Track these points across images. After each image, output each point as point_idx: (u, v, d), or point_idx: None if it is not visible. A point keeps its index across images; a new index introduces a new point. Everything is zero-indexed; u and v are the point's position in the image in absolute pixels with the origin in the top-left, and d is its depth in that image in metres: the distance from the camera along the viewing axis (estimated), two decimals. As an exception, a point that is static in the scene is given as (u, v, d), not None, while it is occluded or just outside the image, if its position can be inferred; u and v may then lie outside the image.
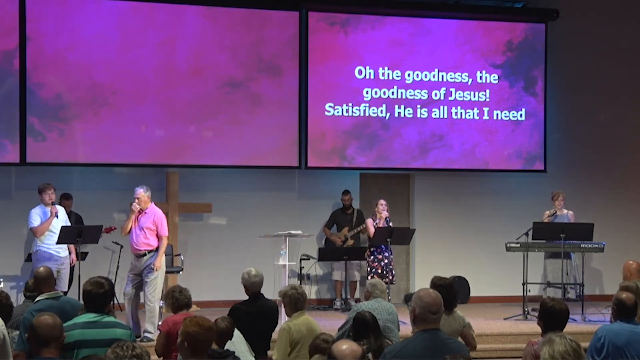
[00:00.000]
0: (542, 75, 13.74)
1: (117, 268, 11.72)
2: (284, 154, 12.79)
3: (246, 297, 7.77)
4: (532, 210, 12.74)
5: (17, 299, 10.67)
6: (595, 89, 14.07)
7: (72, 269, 10.55)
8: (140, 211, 9.82)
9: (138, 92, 12.20)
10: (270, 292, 8.80)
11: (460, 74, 13.42)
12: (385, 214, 12.18)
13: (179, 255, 12.10)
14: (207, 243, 12.72)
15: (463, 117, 13.44)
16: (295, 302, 7.20)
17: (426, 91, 13.32)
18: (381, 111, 13.16)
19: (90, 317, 5.36)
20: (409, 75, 13.25)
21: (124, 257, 11.37)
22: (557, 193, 12.38)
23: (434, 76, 13.35)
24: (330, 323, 9.76)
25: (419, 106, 13.29)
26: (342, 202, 12.90)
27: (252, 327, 7.26)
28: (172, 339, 6.59)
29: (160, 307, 9.95)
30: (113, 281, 8.14)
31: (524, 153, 13.70)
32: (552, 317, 5.53)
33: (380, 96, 13.15)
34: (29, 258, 11.02)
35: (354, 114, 13.06)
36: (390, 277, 11.87)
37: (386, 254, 11.95)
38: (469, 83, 13.47)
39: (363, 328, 6.73)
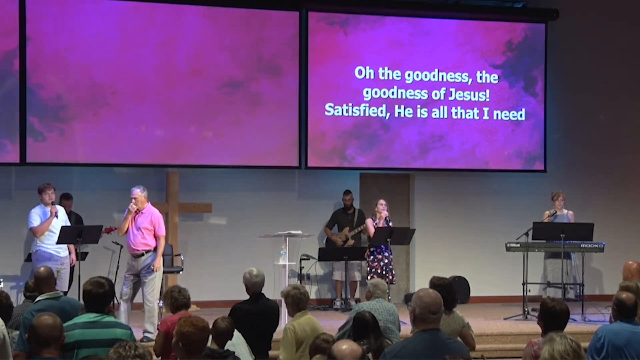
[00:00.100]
0: (542, 75, 13.74)
1: (117, 268, 11.71)
2: (284, 154, 12.79)
3: (246, 297, 7.77)
4: (532, 210, 12.73)
5: (17, 299, 10.67)
6: (595, 89, 14.07)
7: (72, 269, 10.55)
8: (137, 211, 9.82)
9: (138, 92, 12.20)
10: (270, 292, 8.80)
11: (460, 74, 13.43)
12: (385, 213, 12.18)
13: (179, 255, 12.09)
14: (207, 243, 12.72)
15: (463, 117, 13.45)
16: (298, 302, 7.20)
17: (426, 91, 13.32)
18: (381, 111, 13.16)
19: (90, 317, 5.37)
20: (409, 75, 13.25)
21: (124, 257, 11.35)
22: (557, 193, 12.38)
23: (434, 76, 13.35)
24: (330, 323, 9.75)
25: (419, 106, 13.30)
26: (343, 202, 12.90)
27: (253, 327, 7.26)
28: (170, 339, 6.58)
29: (160, 307, 9.95)
30: (113, 281, 8.13)
31: (524, 153, 13.70)
32: (553, 317, 5.53)
33: (380, 96, 13.15)
34: (29, 258, 11.02)
35: (354, 114, 13.06)
36: (390, 277, 11.87)
37: (386, 254, 11.95)
38: (469, 83, 13.47)
39: (363, 328, 6.73)
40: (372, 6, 13.26)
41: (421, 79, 13.30)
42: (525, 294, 11.29)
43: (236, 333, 6.55)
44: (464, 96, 13.44)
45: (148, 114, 12.23)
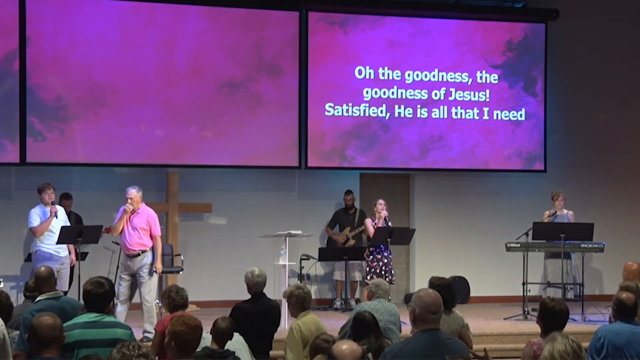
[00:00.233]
0: (542, 75, 13.74)
1: (117, 268, 11.66)
2: (284, 154, 12.79)
3: (246, 297, 7.77)
4: (532, 210, 12.74)
5: (17, 299, 10.67)
6: (595, 89, 14.07)
7: (72, 269, 10.55)
8: (133, 211, 9.83)
9: (138, 92, 12.20)
10: (270, 292, 8.78)
11: (460, 74, 13.43)
12: (384, 213, 12.17)
13: (179, 255, 12.09)
14: (207, 243, 12.72)
15: (463, 117, 13.45)
16: (303, 301, 7.20)
17: (426, 91, 13.32)
18: (381, 111, 13.16)
19: (90, 317, 5.37)
20: (408, 75, 13.25)
21: (124, 257, 11.37)
22: (557, 193, 12.38)
23: (433, 76, 13.35)
24: (330, 323, 9.74)
25: (419, 106, 13.30)
26: (344, 202, 12.91)
27: (253, 326, 7.26)
28: (166, 339, 6.57)
29: (160, 307, 9.95)
30: (113, 281, 8.13)
31: (524, 153, 13.70)
32: (552, 317, 5.53)
33: (380, 96, 13.15)
34: (28, 258, 11.02)
35: (354, 114, 13.06)
36: (390, 277, 11.87)
37: (385, 254, 11.94)
38: (469, 83, 13.47)
39: (363, 328, 6.73)
40: (372, 6, 13.26)
41: (421, 79, 13.31)
42: (525, 294, 11.29)
43: (239, 337, 6.54)
44: (464, 96, 13.44)
45: (148, 114, 12.23)
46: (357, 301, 12.22)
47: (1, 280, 10.40)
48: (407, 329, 7.74)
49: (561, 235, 11.36)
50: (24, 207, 10.74)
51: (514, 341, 10.02)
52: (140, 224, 9.79)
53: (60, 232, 10.07)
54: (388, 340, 6.87)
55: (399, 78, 13.22)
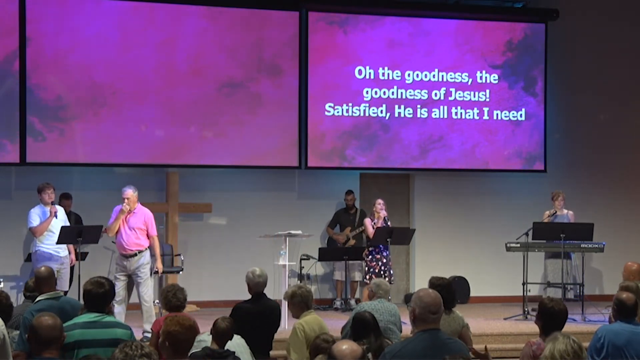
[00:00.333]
0: (542, 75, 13.74)
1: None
2: (284, 154, 12.79)
3: (246, 297, 7.77)
4: (532, 210, 12.74)
5: (17, 299, 10.67)
6: (595, 89, 14.07)
7: (72, 269, 10.55)
8: (129, 211, 9.83)
9: (138, 92, 12.20)
10: (270, 292, 8.78)
11: (460, 74, 13.43)
12: (383, 213, 12.16)
13: (179, 255, 12.09)
14: (207, 243, 12.72)
15: (463, 117, 13.45)
16: (306, 300, 7.18)
17: (426, 91, 13.32)
18: (381, 111, 13.16)
19: (90, 317, 5.37)
20: (408, 75, 13.25)
21: (124, 257, 11.36)
22: (557, 193, 12.38)
23: (433, 76, 13.35)
24: (330, 323, 9.69)
25: (419, 106, 13.30)
26: (345, 202, 12.91)
27: (254, 327, 7.26)
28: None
29: (160, 308, 9.94)
30: (113, 281, 8.13)
31: (524, 153, 13.70)
32: (551, 317, 5.53)
33: (380, 96, 13.15)
34: (28, 258, 11.02)
35: (354, 114, 13.06)
36: (389, 277, 11.86)
37: (385, 254, 11.94)
38: (469, 83, 13.47)
39: (362, 328, 6.73)
40: (371, 6, 13.26)
41: (421, 79, 13.31)
42: (525, 294, 11.29)
43: (240, 340, 6.52)
44: (464, 96, 13.44)
45: (148, 114, 12.23)
46: (357, 301, 12.22)
47: (1, 280, 10.41)
48: (407, 329, 7.74)
49: (561, 235, 11.36)
50: (24, 207, 10.74)
51: (514, 341, 10.02)
52: (138, 224, 9.79)
53: (60, 232, 10.07)
54: (388, 340, 6.87)
55: (399, 78, 13.22)
